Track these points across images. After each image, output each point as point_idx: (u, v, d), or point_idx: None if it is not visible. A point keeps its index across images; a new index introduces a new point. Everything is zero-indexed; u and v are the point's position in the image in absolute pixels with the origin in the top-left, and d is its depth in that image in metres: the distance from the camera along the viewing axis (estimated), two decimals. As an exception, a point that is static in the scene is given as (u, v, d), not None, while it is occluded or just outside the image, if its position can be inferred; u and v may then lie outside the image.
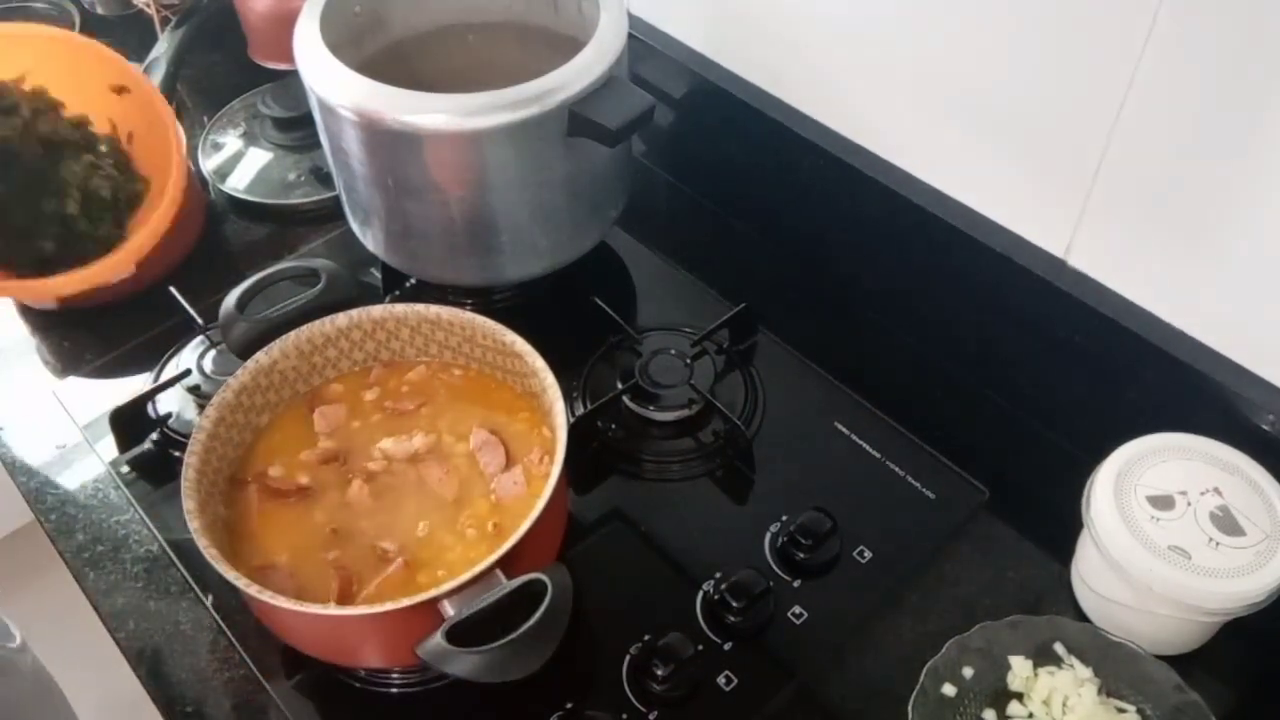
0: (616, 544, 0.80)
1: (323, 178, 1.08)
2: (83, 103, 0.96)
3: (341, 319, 0.77)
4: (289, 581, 0.68)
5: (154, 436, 0.86)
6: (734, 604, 0.73)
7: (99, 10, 1.36)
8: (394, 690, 0.73)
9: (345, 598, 0.67)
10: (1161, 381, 0.77)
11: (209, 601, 0.77)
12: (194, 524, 0.65)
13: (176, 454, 0.84)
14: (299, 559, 0.70)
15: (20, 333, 0.99)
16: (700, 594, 0.76)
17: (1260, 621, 0.67)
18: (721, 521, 0.81)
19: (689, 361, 0.88)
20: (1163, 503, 0.69)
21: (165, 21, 1.20)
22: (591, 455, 0.85)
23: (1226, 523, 0.68)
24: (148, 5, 1.22)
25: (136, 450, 0.86)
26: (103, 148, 0.97)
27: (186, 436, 0.71)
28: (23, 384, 0.94)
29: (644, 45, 1.03)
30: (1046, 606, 0.75)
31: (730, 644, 0.73)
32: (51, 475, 0.86)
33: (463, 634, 0.58)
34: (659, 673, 0.70)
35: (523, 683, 0.58)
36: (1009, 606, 0.74)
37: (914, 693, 0.67)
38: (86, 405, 0.91)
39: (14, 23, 0.95)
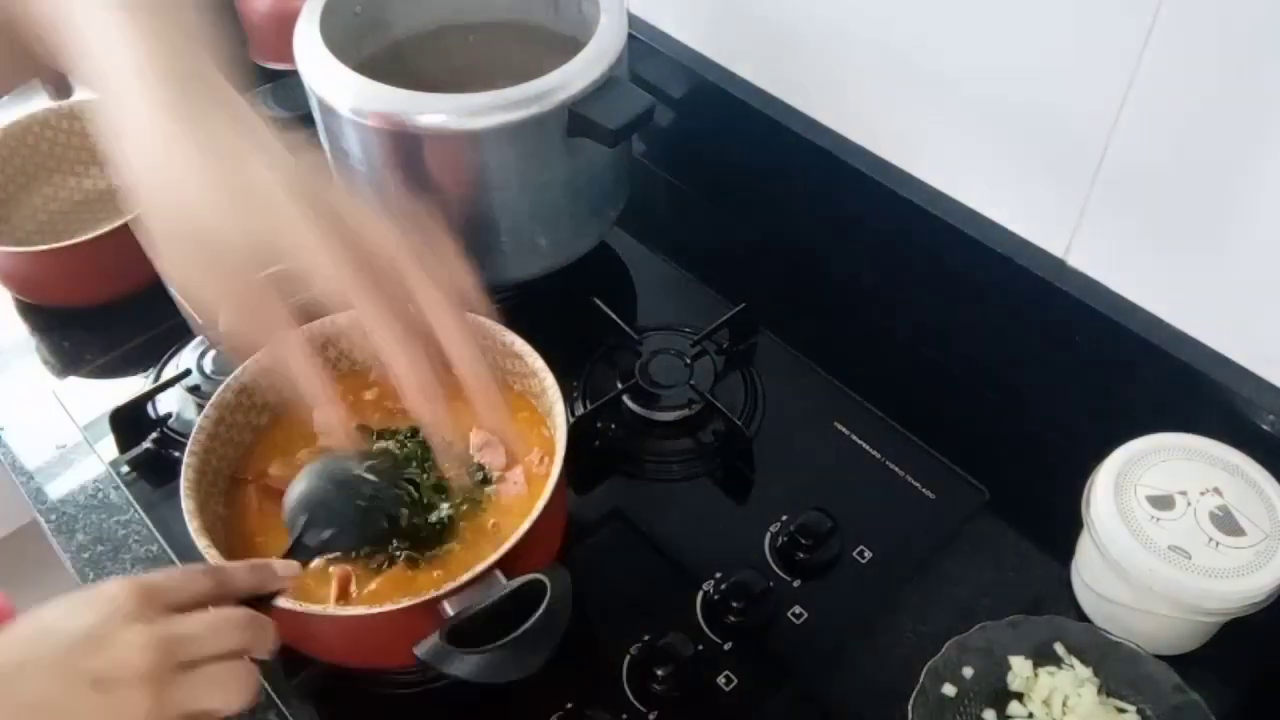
0: (616, 544, 0.80)
1: (323, 178, 1.08)
2: None
3: (342, 319, 0.77)
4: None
5: (154, 436, 0.86)
6: (734, 604, 0.73)
7: (99, 10, 1.36)
8: (394, 690, 0.73)
9: (343, 597, 0.67)
10: (1161, 381, 0.77)
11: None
12: (194, 524, 0.65)
13: (176, 454, 0.84)
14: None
15: (20, 333, 0.99)
16: (700, 594, 0.76)
17: (1260, 621, 0.67)
18: (721, 521, 0.81)
19: (689, 361, 0.88)
20: (1163, 503, 0.69)
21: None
22: (591, 455, 0.85)
23: (1226, 523, 0.68)
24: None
25: (136, 450, 0.86)
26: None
27: (186, 436, 0.71)
28: (23, 384, 0.94)
29: (644, 45, 1.03)
30: (1046, 606, 0.75)
31: (730, 644, 0.73)
32: (51, 475, 0.86)
33: (462, 635, 0.58)
34: (659, 673, 0.70)
35: (523, 683, 0.58)
36: (1009, 606, 0.74)
37: (914, 693, 0.67)
38: (86, 405, 0.91)
39: None
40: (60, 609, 0.45)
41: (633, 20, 0.92)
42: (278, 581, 0.56)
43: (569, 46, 0.84)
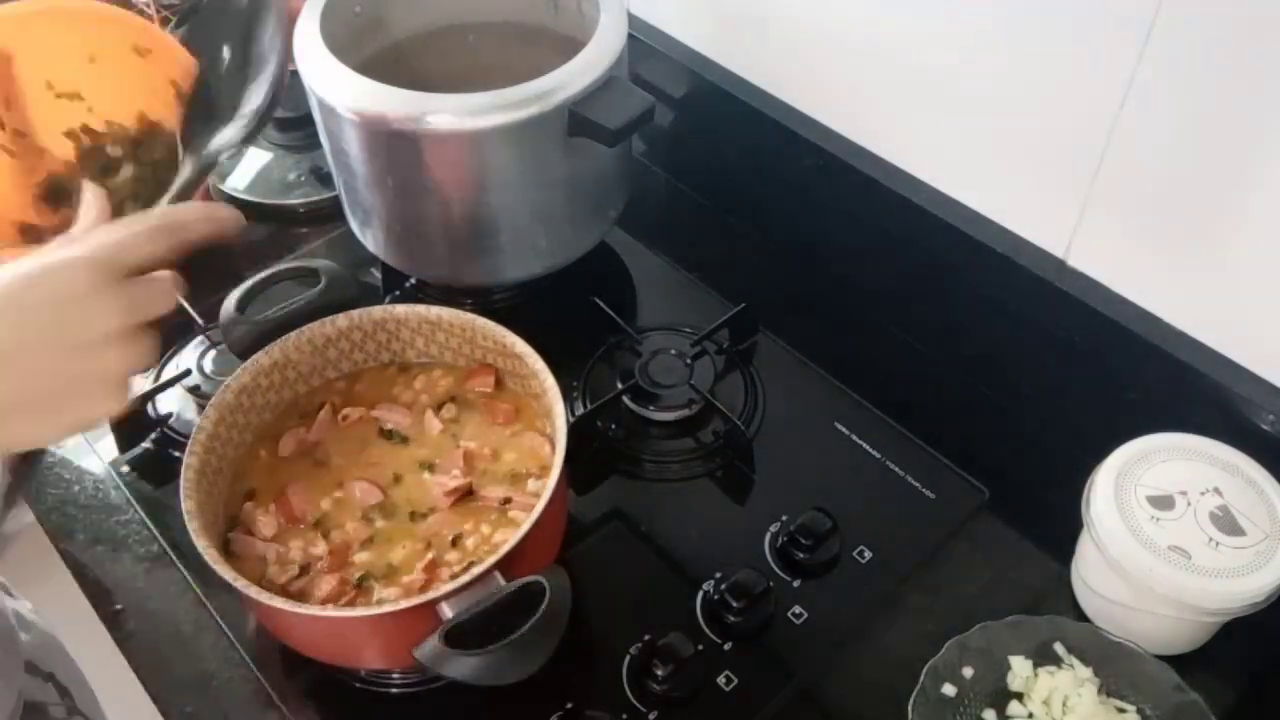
0: (616, 544, 0.80)
1: (323, 178, 1.08)
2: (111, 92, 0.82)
3: (342, 320, 0.77)
4: (289, 581, 0.68)
5: (154, 436, 0.86)
6: (734, 604, 0.73)
7: (99, 10, 1.35)
8: (394, 690, 0.73)
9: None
10: (1161, 381, 0.77)
11: (208, 601, 0.77)
12: (193, 524, 0.65)
13: (176, 454, 0.84)
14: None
15: (20, 333, 0.98)
16: (700, 594, 0.76)
17: (1260, 621, 0.67)
18: (721, 521, 0.81)
19: (689, 361, 0.88)
20: (1163, 503, 0.69)
21: (165, 21, 1.20)
22: (591, 455, 0.85)
23: (1226, 523, 0.68)
24: (148, 5, 1.22)
25: (136, 450, 0.86)
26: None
27: (186, 436, 0.71)
28: (23, 384, 0.94)
29: (644, 45, 1.03)
30: (1046, 606, 0.75)
31: (730, 644, 0.73)
32: (51, 475, 0.86)
33: (461, 636, 0.58)
34: (659, 673, 0.70)
35: (523, 683, 0.58)
36: (1009, 606, 0.74)
37: (914, 693, 0.67)
38: (87, 405, 0.90)
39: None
40: (31, 291, 0.53)
41: (633, 20, 0.92)
42: (232, 224, 0.63)
43: (569, 46, 0.84)
